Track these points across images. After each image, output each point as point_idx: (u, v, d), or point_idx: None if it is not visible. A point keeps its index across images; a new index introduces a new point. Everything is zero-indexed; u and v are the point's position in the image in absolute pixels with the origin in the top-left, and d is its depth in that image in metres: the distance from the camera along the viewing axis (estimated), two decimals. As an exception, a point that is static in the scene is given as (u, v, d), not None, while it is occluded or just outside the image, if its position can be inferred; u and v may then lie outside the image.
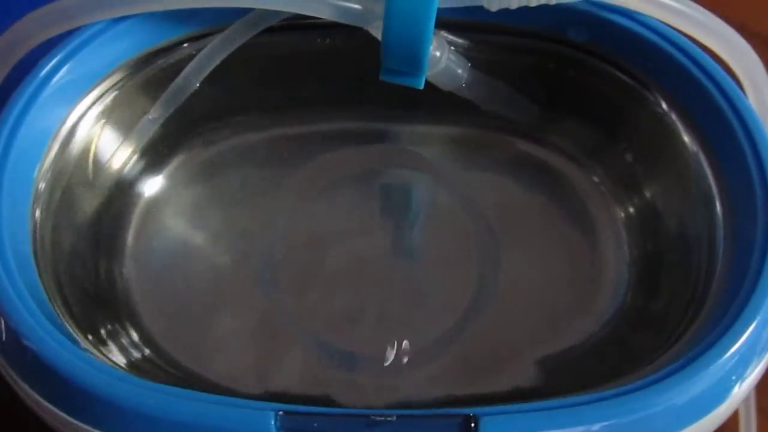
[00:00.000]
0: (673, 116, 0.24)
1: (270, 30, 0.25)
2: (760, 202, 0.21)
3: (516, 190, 0.28)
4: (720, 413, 0.20)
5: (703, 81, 0.23)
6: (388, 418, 0.19)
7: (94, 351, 0.21)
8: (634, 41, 0.24)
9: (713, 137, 0.23)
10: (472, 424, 0.18)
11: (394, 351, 0.25)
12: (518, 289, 0.26)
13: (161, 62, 0.25)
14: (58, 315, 0.21)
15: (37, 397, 0.19)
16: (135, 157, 0.26)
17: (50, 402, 0.19)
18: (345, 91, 0.28)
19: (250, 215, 0.27)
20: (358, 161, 0.28)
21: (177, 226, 0.27)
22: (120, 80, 0.25)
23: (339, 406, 0.22)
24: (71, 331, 0.21)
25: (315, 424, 0.18)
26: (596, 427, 0.19)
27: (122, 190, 0.26)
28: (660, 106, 0.25)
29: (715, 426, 0.21)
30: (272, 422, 0.18)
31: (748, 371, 0.20)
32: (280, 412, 0.18)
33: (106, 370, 0.19)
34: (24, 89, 0.22)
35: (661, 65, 0.24)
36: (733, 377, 0.20)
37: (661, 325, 0.23)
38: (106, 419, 0.19)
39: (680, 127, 0.24)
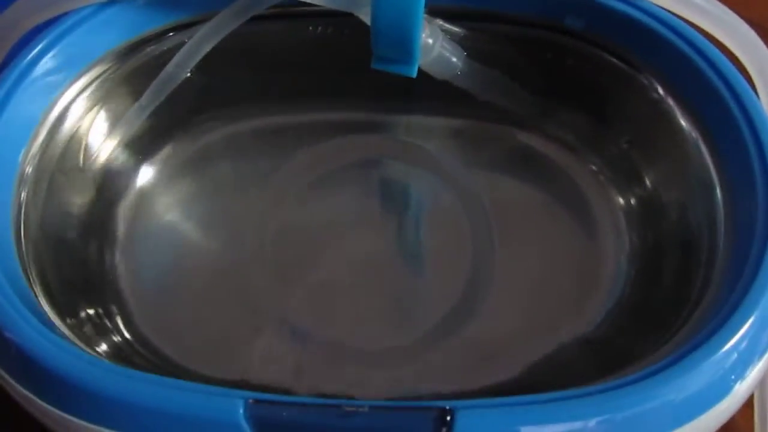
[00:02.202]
0: (671, 102, 0.24)
1: (260, 18, 0.25)
2: (760, 187, 0.20)
3: (514, 181, 0.27)
4: (720, 412, 0.19)
5: (703, 67, 0.22)
6: (361, 409, 0.18)
7: (73, 336, 0.21)
8: (632, 27, 0.24)
9: (712, 122, 0.22)
10: (448, 418, 0.18)
11: (380, 345, 0.24)
12: (513, 283, 0.25)
13: (150, 50, 0.25)
14: (37, 299, 0.21)
15: (11, 380, 0.19)
16: (125, 146, 0.26)
17: (23, 386, 0.19)
18: (338, 81, 0.27)
19: (241, 205, 0.27)
20: (352, 152, 0.28)
21: (167, 214, 0.27)
22: (109, 68, 0.25)
23: (318, 397, 0.22)
24: (49, 315, 0.21)
25: (284, 413, 0.18)
26: (581, 423, 0.18)
27: (112, 177, 0.26)
28: (657, 91, 0.24)
29: (717, 425, 0.20)
30: (241, 410, 0.18)
31: (749, 370, 0.19)
32: (250, 400, 0.18)
33: (77, 354, 0.19)
34: (8, 74, 0.22)
35: (659, 50, 0.23)
36: (732, 376, 0.19)
37: (659, 320, 0.22)
38: (74, 403, 0.18)
39: (678, 113, 0.23)
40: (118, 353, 0.23)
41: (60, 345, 0.19)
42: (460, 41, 0.25)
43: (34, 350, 0.19)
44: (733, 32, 0.23)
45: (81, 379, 0.18)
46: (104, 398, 0.18)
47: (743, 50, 0.23)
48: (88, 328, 0.23)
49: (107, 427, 0.18)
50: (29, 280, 0.21)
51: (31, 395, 0.19)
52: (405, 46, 0.23)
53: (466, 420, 0.17)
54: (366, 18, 0.23)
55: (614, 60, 0.25)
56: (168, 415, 0.18)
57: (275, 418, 0.18)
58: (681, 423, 0.18)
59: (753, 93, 0.21)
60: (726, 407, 0.19)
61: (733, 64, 0.23)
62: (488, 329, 0.24)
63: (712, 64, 0.22)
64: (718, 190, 0.22)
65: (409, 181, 0.28)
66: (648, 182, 0.25)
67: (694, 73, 0.22)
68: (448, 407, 0.18)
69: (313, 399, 0.18)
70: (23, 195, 0.22)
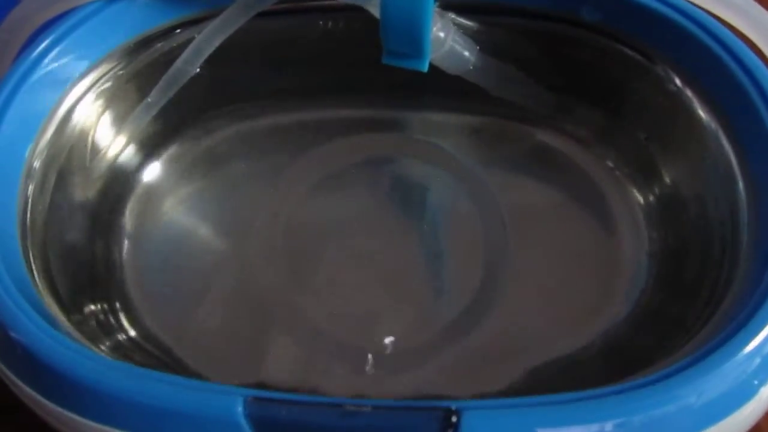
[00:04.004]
0: (689, 93, 0.23)
1: (269, 14, 0.24)
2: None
3: (530, 178, 0.26)
4: (743, 417, 0.18)
5: (721, 55, 0.21)
6: (363, 409, 0.17)
7: (76, 332, 0.20)
8: (648, 17, 0.23)
9: (733, 112, 0.21)
10: (453, 419, 0.17)
11: (390, 346, 0.23)
12: (530, 284, 0.24)
13: (159, 47, 0.25)
14: (40, 295, 0.20)
15: (17, 380, 0.19)
16: (133, 143, 0.26)
17: (21, 379, 0.19)
18: (351, 77, 0.27)
19: (251, 203, 0.26)
20: (364, 150, 0.27)
21: (175, 212, 0.27)
22: (117, 65, 0.25)
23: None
24: (52, 311, 0.20)
25: (284, 412, 0.17)
26: (596, 426, 0.17)
27: (120, 174, 0.26)
28: (674, 83, 0.23)
29: (742, 430, 0.19)
30: (239, 408, 0.17)
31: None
32: (249, 398, 0.17)
33: (74, 348, 0.18)
34: (16, 69, 0.22)
35: (676, 40, 0.23)
36: (755, 379, 0.18)
37: (680, 321, 0.21)
38: (71, 399, 0.18)
39: (697, 104, 0.22)
40: (123, 350, 0.22)
41: (61, 341, 0.18)
42: (473, 35, 0.25)
43: (39, 350, 0.18)
44: (754, 22, 0.22)
45: (78, 375, 0.18)
46: (102, 394, 0.18)
47: (765, 40, 0.22)
48: (92, 325, 0.22)
49: (105, 423, 0.18)
50: (33, 275, 0.21)
51: (35, 394, 0.19)
52: (415, 39, 0.23)
53: (473, 421, 0.17)
54: (375, 11, 0.23)
55: (631, 52, 0.24)
56: (166, 412, 0.17)
57: (275, 417, 0.17)
58: (701, 427, 0.18)
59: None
60: (749, 412, 0.18)
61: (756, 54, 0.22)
62: (503, 331, 0.24)
63: (730, 52, 0.21)
64: (740, 183, 0.21)
65: (422, 179, 0.27)
66: (667, 177, 0.24)
67: (712, 62, 0.22)
68: (454, 407, 0.17)
69: (314, 397, 0.18)
70: (30, 190, 0.22)
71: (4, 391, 0.20)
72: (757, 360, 0.18)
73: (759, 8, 0.23)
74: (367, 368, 0.23)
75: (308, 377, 0.23)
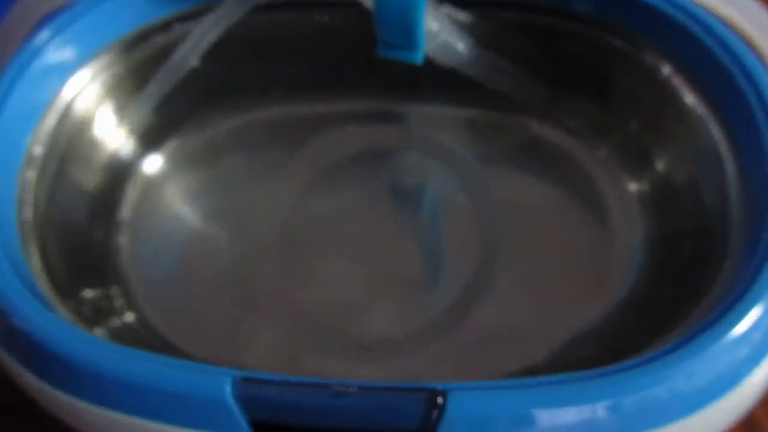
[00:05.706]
0: (677, 81, 0.23)
1: (266, 8, 0.25)
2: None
3: (524, 170, 0.26)
4: (734, 401, 0.18)
5: (709, 42, 0.21)
6: (350, 389, 0.17)
7: (72, 316, 0.21)
8: (637, 8, 0.23)
9: (721, 99, 0.21)
10: (439, 399, 0.17)
11: (386, 336, 0.24)
12: (524, 273, 0.24)
13: (158, 40, 0.26)
14: (36, 279, 0.21)
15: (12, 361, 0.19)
16: (133, 135, 0.27)
17: (23, 365, 0.19)
18: (347, 71, 0.27)
19: (248, 196, 0.27)
20: (361, 143, 0.28)
21: (174, 203, 0.27)
22: (117, 57, 0.25)
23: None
24: (48, 295, 0.21)
25: (272, 392, 0.18)
26: (583, 407, 0.17)
27: (120, 166, 0.26)
28: (662, 72, 0.23)
29: (732, 417, 0.19)
30: (228, 388, 0.17)
31: (764, 359, 0.18)
32: (238, 378, 0.18)
33: (71, 331, 0.19)
34: (16, 60, 0.23)
35: (663, 28, 0.23)
36: (746, 362, 0.18)
37: (674, 309, 0.21)
38: (68, 379, 0.18)
39: (685, 92, 0.23)
40: (118, 335, 0.23)
41: (59, 324, 0.19)
42: (467, 28, 0.25)
43: (41, 336, 0.18)
44: (743, 11, 0.22)
45: (74, 356, 0.18)
46: (87, 372, 0.18)
47: (757, 29, 0.22)
48: (88, 310, 0.23)
49: (91, 401, 0.18)
50: (30, 260, 0.21)
51: (31, 376, 0.19)
52: (409, 31, 0.23)
53: (459, 402, 0.17)
54: (369, 3, 0.23)
55: (621, 43, 0.24)
56: (154, 391, 0.18)
57: (263, 397, 0.17)
58: (691, 410, 0.17)
59: (760, 65, 0.20)
60: (741, 397, 0.18)
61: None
62: (497, 320, 0.24)
63: (717, 39, 0.21)
64: (729, 168, 0.21)
65: (419, 172, 0.27)
66: (660, 166, 0.24)
67: (699, 49, 0.22)
68: (440, 388, 0.17)
69: (302, 378, 0.18)
70: (29, 178, 0.23)
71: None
72: (747, 344, 0.18)
73: (757, 6, 0.23)
74: (359, 357, 0.23)
75: (301, 365, 0.23)
